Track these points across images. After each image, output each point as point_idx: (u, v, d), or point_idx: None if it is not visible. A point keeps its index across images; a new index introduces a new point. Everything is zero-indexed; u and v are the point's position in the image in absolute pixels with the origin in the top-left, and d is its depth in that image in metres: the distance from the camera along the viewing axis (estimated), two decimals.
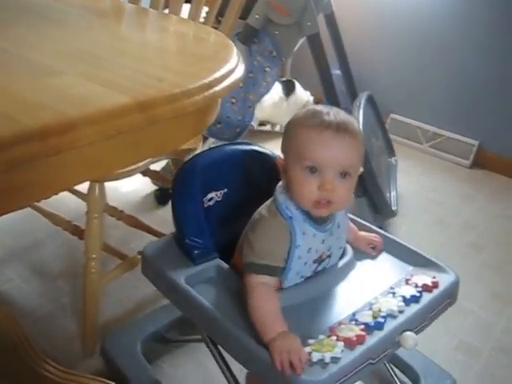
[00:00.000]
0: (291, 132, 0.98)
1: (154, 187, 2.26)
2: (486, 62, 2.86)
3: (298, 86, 3.05)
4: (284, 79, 3.07)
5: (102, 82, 0.78)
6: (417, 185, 2.66)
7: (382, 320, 0.95)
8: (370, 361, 0.90)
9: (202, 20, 1.67)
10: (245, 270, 0.97)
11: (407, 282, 1.06)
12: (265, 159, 1.18)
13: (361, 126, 1.95)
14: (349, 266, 1.10)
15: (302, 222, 0.97)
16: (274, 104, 2.90)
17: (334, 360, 0.87)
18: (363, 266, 1.13)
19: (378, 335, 0.92)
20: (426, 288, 1.04)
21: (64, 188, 0.78)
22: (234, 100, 2.02)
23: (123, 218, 1.71)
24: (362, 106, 2.09)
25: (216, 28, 1.56)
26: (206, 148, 2.61)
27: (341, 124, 0.93)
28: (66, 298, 1.65)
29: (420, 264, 1.13)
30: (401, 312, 0.98)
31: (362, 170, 1.00)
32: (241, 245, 1.05)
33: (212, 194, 1.13)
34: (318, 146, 0.92)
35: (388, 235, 1.20)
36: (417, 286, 1.03)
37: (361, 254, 1.15)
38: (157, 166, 1.96)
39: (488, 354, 1.64)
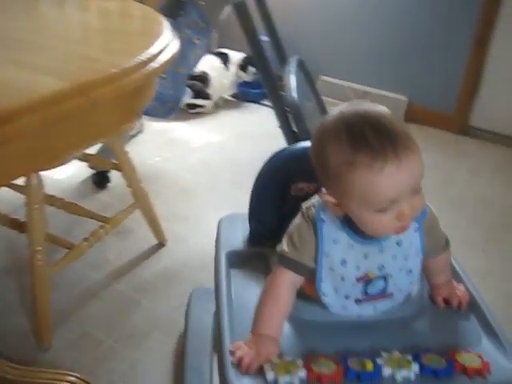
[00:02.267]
0: (338, 173, 0.79)
1: (91, 171, 2.20)
2: (411, 19, 2.92)
3: (230, 54, 3.06)
4: (218, 51, 3.08)
5: (34, 66, 0.75)
6: None
7: (374, 375, 0.81)
8: None
9: None
10: (278, 259, 0.90)
11: (450, 354, 0.85)
12: None
13: (295, 91, 1.96)
14: (399, 307, 0.95)
15: (335, 229, 0.86)
16: (220, 79, 2.96)
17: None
18: (419, 317, 0.96)
19: None
20: (462, 369, 0.83)
21: (11, 180, 0.75)
22: (164, 75, 1.97)
23: (64, 207, 1.67)
24: (293, 70, 2.10)
25: (141, 2, 1.52)
26: (139, 126, 2.59)
27: (395, 142, 0.76)
28: (13, 294, 1.60)
29: (490, 339, 0.92)
30: (407, 380, 0.81)
31: None
32: None
33: (303, 185, 1.04)
34: (387, 186, 0.76)
35: (473, 293, 1.00)
36: (449, 361, 0.83)
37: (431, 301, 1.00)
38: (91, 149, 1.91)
39: None
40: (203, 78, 2.90)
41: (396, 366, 0.81)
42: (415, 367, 0.82)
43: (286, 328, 0.90)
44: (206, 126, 2.87)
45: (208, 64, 2.93)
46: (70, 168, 2.21)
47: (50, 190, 1.74)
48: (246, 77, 3.06)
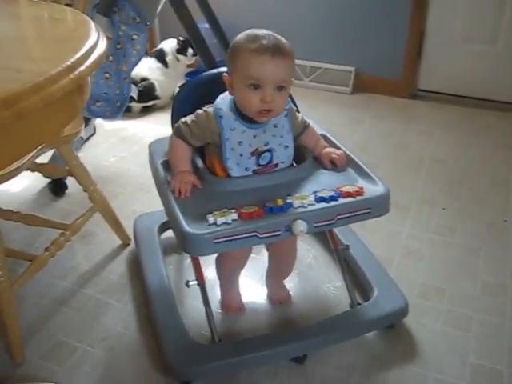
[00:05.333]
0: (235, 54, 1.17)
1: (47, 180, 2.18)
2: None
3: (165, 47, 3.08)
4: (153, 51, 3.13)
5: None
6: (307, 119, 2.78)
7: (283, 207, 1.13)
8: (257, 234, 1.10)
9: None
10: (173, 132, 1.28)
11: (337, 188, 1.20)
12: None
13: None
14: (298, 170, 1.29)
15: (231, 121, 1.21)
16: (163, 79, 3.01)
17: (224, 224, 1.09)
18: (314, 174, 1.28)
19: (270, 217, 1.12)
20: (347, 195, 1.18)
21: None
22: (107, 75, 1.95)
23: (22, 219, 1.65)
24: None
25: (71, 5, 1.50)
26: (91, 128, 2.57)
27: (276, 48, 1.13)
28: None
29: (365, 179, 1.26)
30: (308, 206, 1.15)
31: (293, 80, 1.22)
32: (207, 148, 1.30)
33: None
34: (259, 68, 1.13)
35: (348, 153, 1.34)
36: (337, 192, 1.19)
37: (322, 165, 1.33)
38: (44, 159, 1.89)
39: (398, 260, 1.77)
40: (147, 85, 2.94)
41: (299, 199, 1.15)
42: (311, 197, 1.16)
43: (216, 198, 1.18)
44: (158, 121, 2.86)
45: (147, 68, 2.95)
46: (23, 180, 2.19)
47: (6, 204, 1.73)
48: (187, 59, 3.07)
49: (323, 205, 1.15)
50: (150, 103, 2.94)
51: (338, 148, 1.36)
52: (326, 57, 3.18)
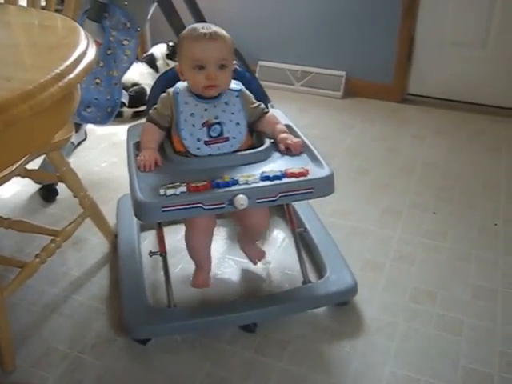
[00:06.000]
0: (181, 45, 1.37)
1: (37, 186, 2.17)
2: None
3: (155, 52, 3.09)
4: (143, 56, 3.13)
5: None
6: (297, 124, 2.77)
7: (229, 183, 1.23)
8: (202, 206, 1.21)
9: (43, 4, 1.60)
10: (146, 117, 1.45)
11: (285, 169, 1.29)
12: None
13: None
14: (254, 154, 1.37)
15: (186, 96, 1.39)
16: (150, 82, 2.94)
17: (173, 195, 1.20)
18: (270, 158, 1.37)
19: (216, 191, 1.22)
20: (291, 175, 1.27)
21: None
22: (98, 81, 1.95)
23: (12, 225, 1.64)
24: None
25: (61, 11, 1.50)
26: (82, 134, 2.56)
27: (213, 33, 1.33)
28: None
29: (315, 163, 1.34)
30: (252, 183, 1.25)
31: (235, 62, 1.40)
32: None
33: None
34: (200, 51, 1.32)
35: (305, 140, 1.43)
36: (282, 172, 1.27)
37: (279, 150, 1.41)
38: (35, 165, 1.88)
39: (390, 264, 1.78)
40: (138, 90, 2.94)
41: (245, 177, 1.25)
42: (257, 175, 1.26)
43: (174, 174, 1.28)
44: None
45: (138, 73, 2.95)
46: (14, 186, 2.18)
47: None
48: (174, 64, 3.07)
49: (266, 183, 1.25)
50: (141, 108, 2.92)
51: (298, 136, 1.44)
52: (317, 61, 3.19)
